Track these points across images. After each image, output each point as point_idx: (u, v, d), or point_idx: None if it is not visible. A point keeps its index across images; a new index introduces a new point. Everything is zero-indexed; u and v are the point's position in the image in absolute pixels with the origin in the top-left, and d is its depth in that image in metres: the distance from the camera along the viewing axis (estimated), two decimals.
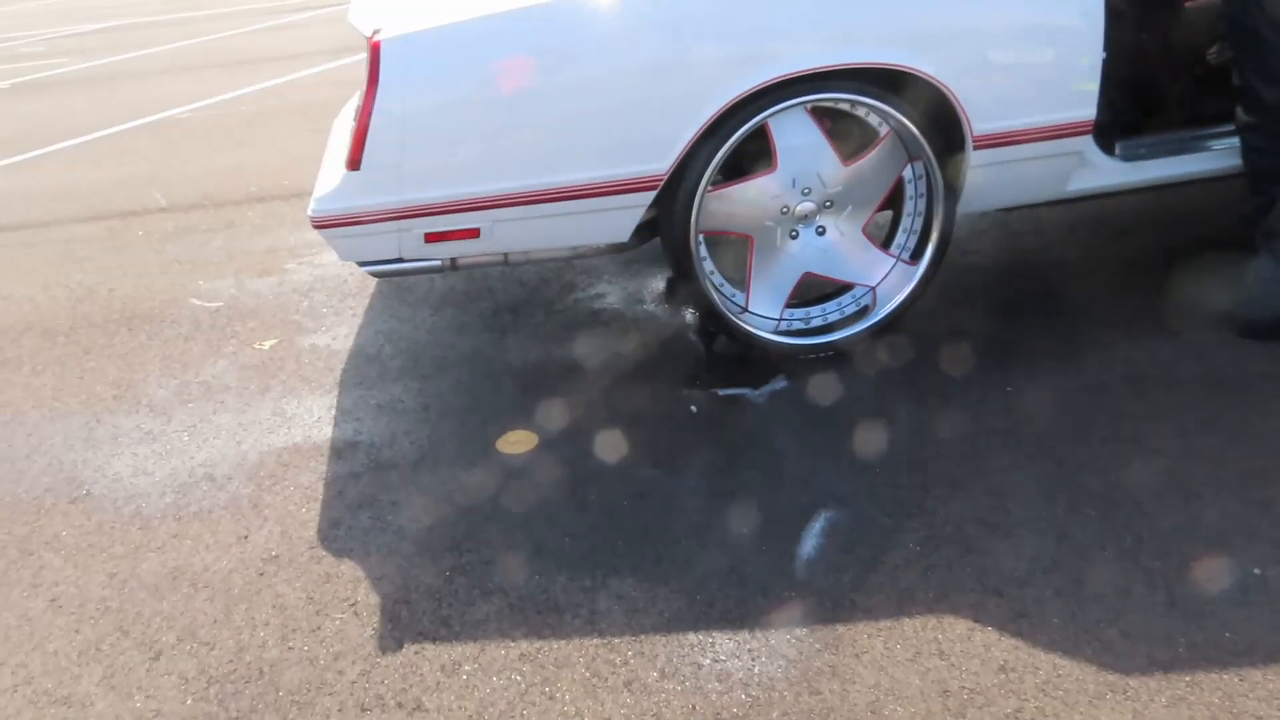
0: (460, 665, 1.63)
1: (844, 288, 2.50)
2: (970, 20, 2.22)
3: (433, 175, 2.21)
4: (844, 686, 1.51)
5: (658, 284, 2.96)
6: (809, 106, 2.27)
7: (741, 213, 2.38)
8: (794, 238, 2.41)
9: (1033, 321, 2.54)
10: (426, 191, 2.22)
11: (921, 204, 2.43)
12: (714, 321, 2.43)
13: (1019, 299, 2.67)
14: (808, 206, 2.37)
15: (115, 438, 2.44)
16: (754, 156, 2.36)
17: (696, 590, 1.74)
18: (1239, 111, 2.34)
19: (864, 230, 2.44)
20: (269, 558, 1.93)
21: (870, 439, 2.12)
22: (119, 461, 2.33)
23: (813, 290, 2.50)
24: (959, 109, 2.23)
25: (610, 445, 2.19)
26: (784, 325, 2.47)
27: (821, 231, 2.42)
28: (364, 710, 1.56)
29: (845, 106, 2.29)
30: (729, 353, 2.53)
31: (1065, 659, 1.52)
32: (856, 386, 2.33)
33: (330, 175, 2.34)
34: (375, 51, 2.15)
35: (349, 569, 1.88)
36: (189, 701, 1.61)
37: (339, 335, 2.87)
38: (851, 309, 2.50)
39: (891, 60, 2.19)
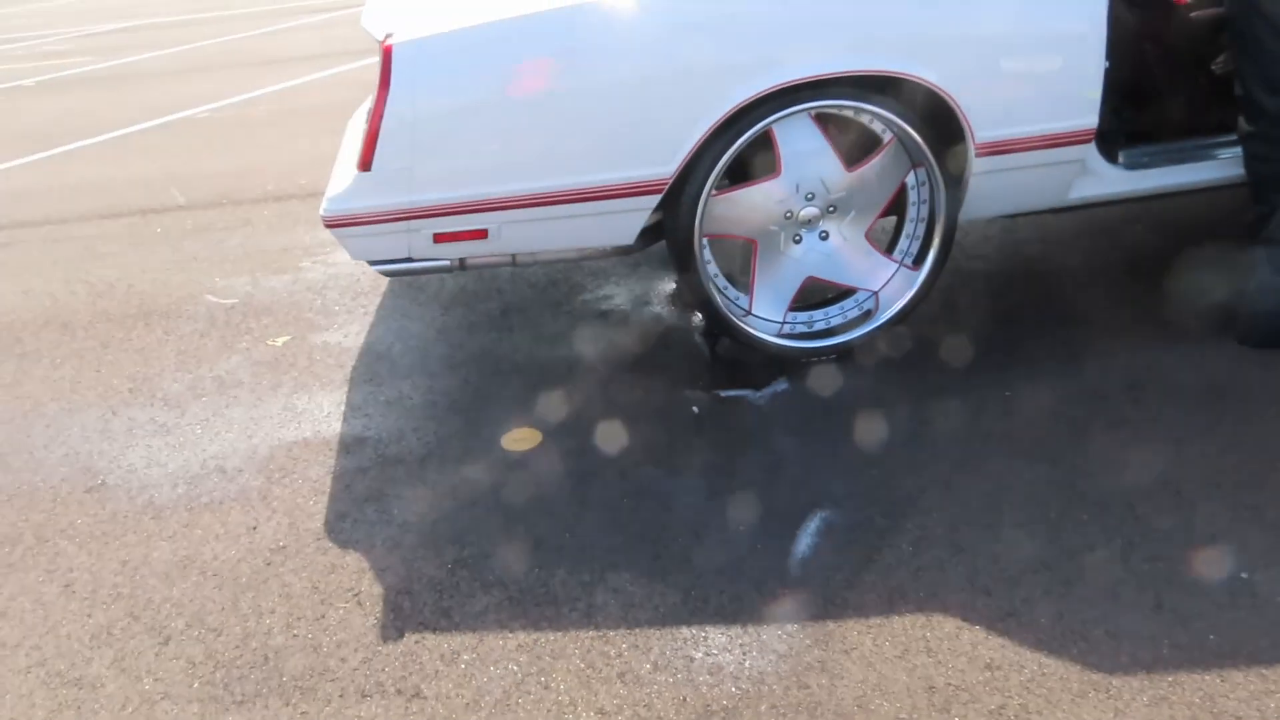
0: (459, 655, 1.67)
1: (847, 292, 2.53)
2: (973, 29, 2.25)
3: (442, 177, 2.26)
4: (832, 681, 1.55)
5: (664, 286, 3.00)
6: (813, 113, 2.30)
7: (745, 217, 2.41)
8: (797, 242, 2.44)
9: (1034, 327, 2.56)
10: (435, 193, 2.27)
11: (924, 210, 2.45)
12: (717, 324, 2.46)
13: (1021, 305, 2.70)
14: (811, 211, 2.40)
15: (130, 430, 2.50)
16: (759, 161, 2.40)
17: (691, 586, 1.78)
18: (1241, 120, 2.36)
19: (867, 235, 2.47)
20: (276, 548, 1.98)
21: (868, 441, 2.15)
22: (133, 453, 2.39)
23: (816, 294, 2.53)
24: (961, 117, 2.26)
25: (612, 444, 2.23)
26: (787, 328, 2.50)
27: (825, 236, 2.45)
28: (364, 697, 1.60)
29: (849, 113, 2.33)
30: (732, 355, 2.57)
31: (1050, 658, 1.55)
32: (857, 390, 2.36)
33: (342, 176, 2.39)
34: (387, 55, 2.20)
35: (354, 560, 1.93)
36: (195, 685, 1.66)
37: (350, 333, 2.92)
38: (854, 313, 2.52)
39: (894, 68, 2.22)
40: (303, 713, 1.58)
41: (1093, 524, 1.83)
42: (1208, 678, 1.49)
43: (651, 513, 1.98)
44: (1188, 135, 2.58)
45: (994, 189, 2.38)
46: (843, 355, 2.48)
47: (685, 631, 1.67)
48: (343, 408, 2.50)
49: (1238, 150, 2.42)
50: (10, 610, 1.89)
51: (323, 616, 1.79)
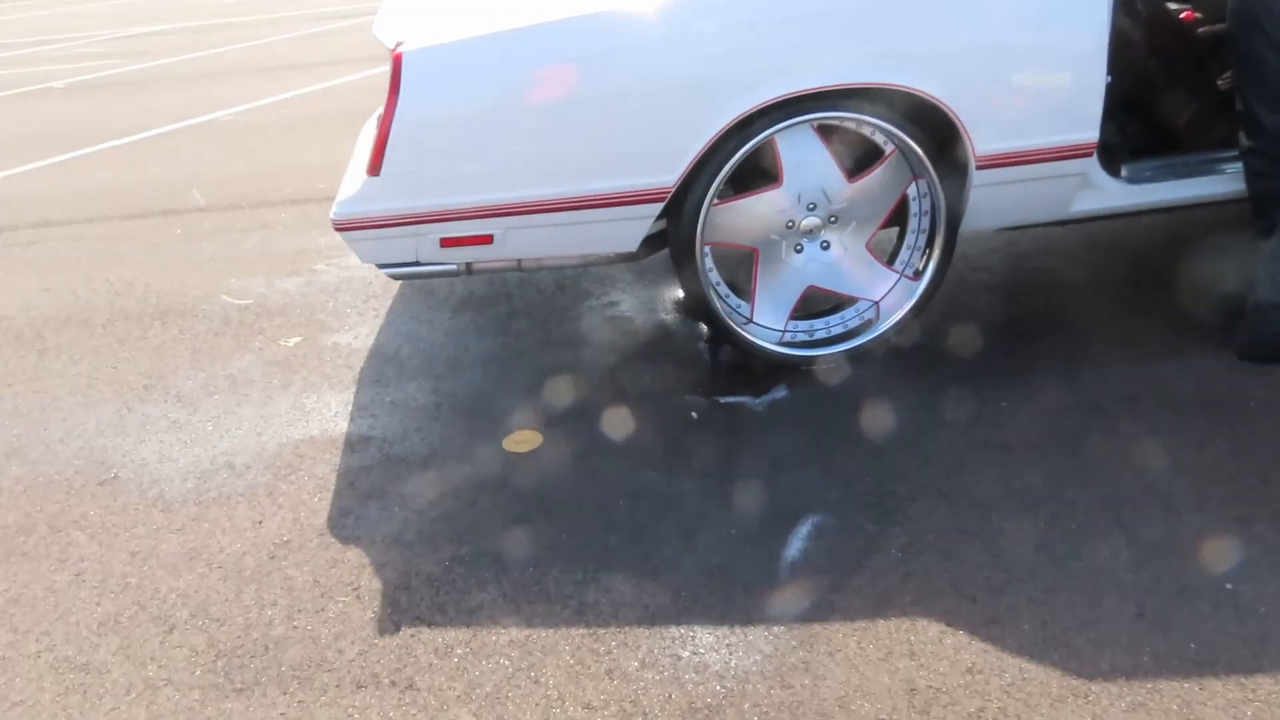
0: (453, 648, 1.71)
1: (848, 302, 2.56)
2: (974, 42, 2.28)
3: (448, 183, 2.31)
4: (815, 682, 1.58)
5: (669, 293, 3.04)
6: (815, 124, 2.34)
7: (747, 226, 2.45)
8: (799, 252, 2.48)
9: (1034, 339, 2.58)
10: (442, 198, 2.32)
11: (925, 221, 2.48)
12: (718, 331, 2.50)
13: (1022, 316, 2.72)
14: (813, 222, 2.44)
15: (144, 425, 2.56)
16: (762, 171, 2.44)
17: (682, 587, 1.81)
18: (1242, 136, 2.37)
19: (868, 246, 2.50)
20: (280, 542, 2.04)
21: (863, 448, 2.18)
22: (146, 448, 2.45)
23: (819, 303, 2.56)
24: (962, 129, 2.29)
25: (611, 447, 2.27)
26: (788, 337, 2.53)
27: (826, 246, 2.48)
28: (360, 687, 1.65)
29: (851, 125, 2.36)
30: (733, 362, 2.60)
31: (1031, 663, 1.57)
32: (855, 397, 2.39)
33: (352, 180, 2.45)
34: (397, 63, 2.25)
35: (355, 555, 1.97)
36: (197, 672, 1.71)
37: (361, 334, 2.97)
38: (855, 323, 2.55)
39: (895, 81, 2.25)
40: (299, 702, 1.63)
41: (1080, 533, 1.85)
42: (1186, 685, 1.51)
43: (646, 515, 2.02)
44: (1191, 150, 2.59)
45: (995, 201, 2.41)
46: (842, 364, 2.50)
47: (673, 630, 1.71)
48: (350, 407, 2.55)
49: (1240, 166, 2.44)
50: (23, 597, 1.95)
51: (323, 609, 1.83)
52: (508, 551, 1.95)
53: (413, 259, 2.41)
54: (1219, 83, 2.69)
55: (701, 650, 1.66)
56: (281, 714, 1.61)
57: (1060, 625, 1.64)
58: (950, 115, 2.27)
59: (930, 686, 1.55)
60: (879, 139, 2.38)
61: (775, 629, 1.69)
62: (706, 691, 1.58)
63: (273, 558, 1.99)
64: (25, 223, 4.42)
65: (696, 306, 2.49)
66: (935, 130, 2.33)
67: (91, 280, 3.63)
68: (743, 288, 2.53)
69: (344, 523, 2.08)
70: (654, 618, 1.74)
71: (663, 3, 2.27)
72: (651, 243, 2.51)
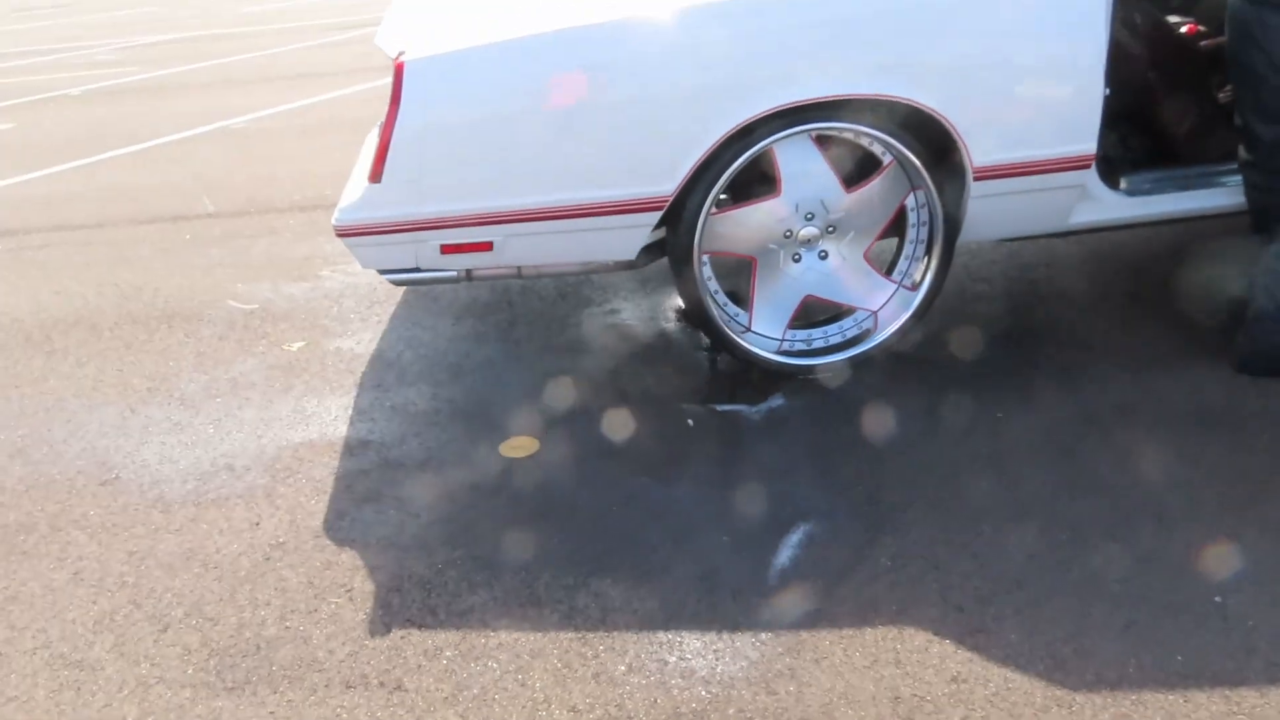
0: (442, 650, 1.72)
1: (846, 311, 2.56)
2: (971, 54, 2.29)
3: (449, 190, 2.33)
4: (800, 689, 1.58)
5: (670, 302, 3.05)
6: (813, 134, 2.35)
7: (745, 235, 2.46)
8: (797, 261, 2.49)
9: (1032, 350, 2.58)
10: (442, 205, 2.34)
11: (924, 232, 2.49)
12: (716, 340, 2.51)
13: (1021, 328, 2.72)
14: (811, 231, 2.45)
15: (146, 427, 2.59)
16: (762, 180, 2.45)
17: (671, 592, 1.82)
18: (1240, 149, 2.38)
19: (866, 256, 2.50)
20: (276, 544, 2.05)
21: (858, 457, 2.19)
22: (148, 449, 2.48)
23: (818, 312, 2.57)
24: (959, 141, 2.30)
25: (607, 453, 2.28)
26: (786, 345, 2.54)
27: (824, 256, 2.49)
28: (349, 687, 1.66)
29: (849, 135, 2.37)
30: (731, 370, 2.61)
31: (1017, 673, 1.57)
32: (851, 407, 2.39)
33: (355, 187, 2.48)
34: (399, 72, 2.28)
35: (348, 558, 1.99)
36: (190, 670, 1.73)
37: (363, 340, 3.00)
38: (853, 332, 2.56)
39: (893, 92, 2.26)
40: (289, 701, 1.64)
41: (1069, 544, 1.85)
42: (1171, 697, 1.50)
43: (638, 521, 2.03)
44: (1191, 163, 2.60)
45: (992, 213, 2.42)
46: (840, 374, 2.51)
47: (661, 636, 1.72)
48: (350, 411, 2.57)
49: (1239, 179, 2.44)
50: (21, 595, 1.97)
51: (315, 610, 1.85)
52: (500, 555, 1.96)
53: (413, 265, 2.44)
54: (1219, 96, 2.69)
55: (688, 656, 1.67)
56: (271, 713, 1.62)
57: (1047, 635, 1.64)
58: (947, 126, 2.28)
59: (915, 695, 1.55)
60: (877, 149, 2.39)
61: (762, 635, 1.70)
62: (692, 697, 1.58)
63: (268, 559, 2.01)
64: (38, 226, 4.47)
65: (695, 315, 2.50)
66: (933, 141, 2.34)
67: (101, 284, 3.67)
68: (743, 297, 2.54)
69: (339, 525, 2.10)
70: (642, 623, 1.75)
71: (662, 14, 2.29)
72: (651, 251, 2.53)
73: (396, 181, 2.32)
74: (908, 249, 2.53)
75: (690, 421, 2.39)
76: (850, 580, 1.81)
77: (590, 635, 1.73)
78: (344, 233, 2.39)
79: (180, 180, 5.04)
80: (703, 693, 1.59)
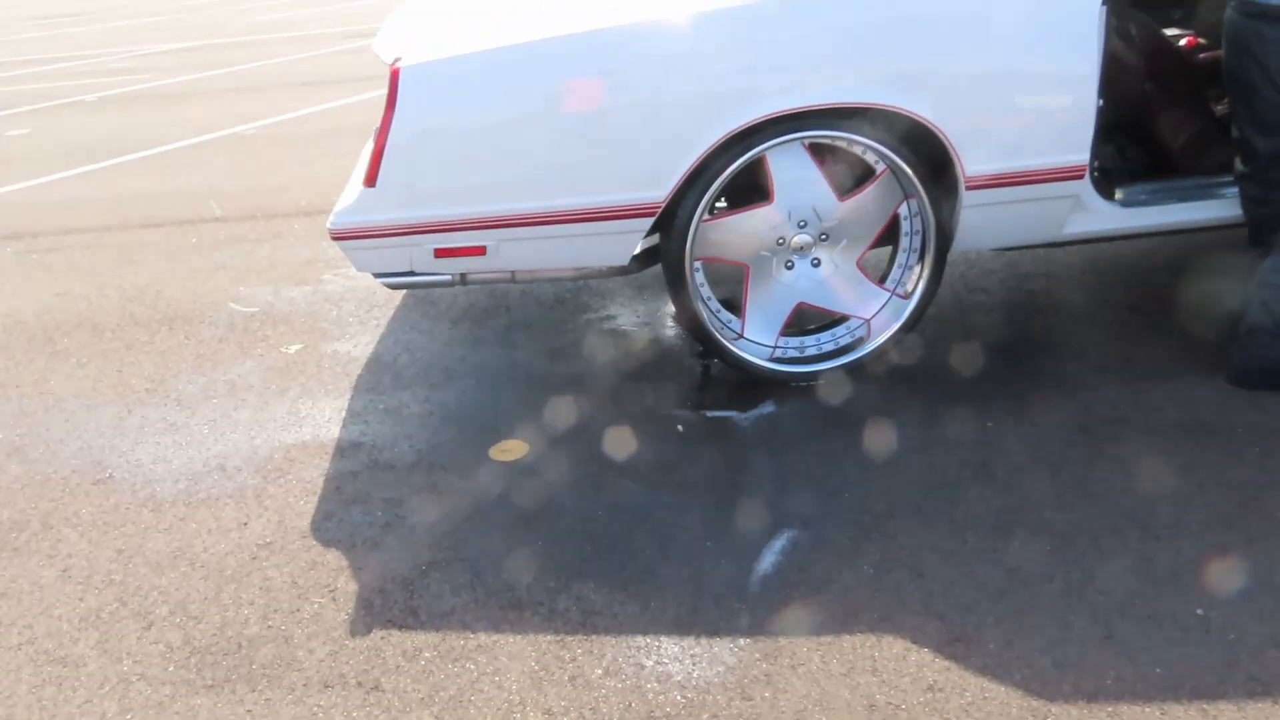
0: (421, 652, 1.73)
1: (840, 319, 2.56)
2: (965, 64, 2.29)
3: (442, 194, 2.35)
4: (775, 695, 1.58)
5: (666, 308, 3.06)
6: (806, 142, 2.36)
7: (738, 242, 2.47)
8: (789, 268, 2.49)
9: (1026, 360, 2.57)
10: (436, 209, 2.35)
11: (916, 241, 2.49)
12: (708, 346, 2.51)
13: (1017, 337, 2.71)
14: (803, 239, 2.45)
15: (142, 427, 2.61)
16: (757, 187, 2.45)
17: (652, 597, 1.82)
18: (1237, 162, 2.37)
19: (858, 264, 2.50)
20: (263, 544, 2.07)
21: (846, 464, 2.18)
22: (142, 449, 2.50)
23: (812, 320, 2.57)
24: (951, 151, 2.30)
25: (595, 458, 2.28)
26: (779, 353, 2.54)
27: (817, 263, 2.49)
28: (327, 687, 1.67)
29: (842, 144, 2.37)
30: (724, 377, 2.61)
31: (994, 683, 1.56)
32: (842, 414, 2.39)
33: (351, 191, 2.49)
34: (394, 78, 2.30)
35: (334, 558, 2.00)
36: (171, 668, 1.74)
37: (361, 343, 3.01)
38: (846, 340, 2.55)
39: (885, 101, 2.27)
40: (266, 700, 1.65)
41: (1054, 554, 1.84)
42: (1148, 709, 1.49)
43: (624, 525, 2.03)
44: (1188, 175, 2.59)
45: (985, 222, 2.41)
46: (832, 381, 2.51)
47: (640, 640, 1.71)
48: (343, 414, 2.59)
49: (1235, 191, 2.42)
50: (9, 591, 1.99)
51: (297, 610, 1.86)
52: (484, 558, 1.97)
53: (407, 269, 2.45)
54: (1216, 108, 2.68)
55: (665, 660, 1.66)
56: (248, 711, 1.63)
57: (1026, 646, 1.63)
58: (939, 136, 2.28)
59: (890, 703, 1.54)
60: (870, 158, 2.39)
61: (740, 641, 1.69)
62: (666, 701, 1.58)
63: (254, 558, 2.02)
64: (48, 230, 4.51)
65: (687, 321, 2.50)
66: (925, 150, 2.34)
67: (105, 286, 3.71)
68: (737, 304, 2.54)
69: (326, 526, 2.11)
70: (622, 626, 1.75)
71: (655, 22, 2.31)
72: (645, 257, 2.53)
73: (391, 186, 2.34)
74: (901, 257, 2.52)
75: (680, 427, 2.39)
76: (832, 587, 1.81)
77: (569, 638, 1.73)
78: (339, 236, 2.41)
79: (190, 185, 5.09)
80: (678, 697, 1.59)
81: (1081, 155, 2.33)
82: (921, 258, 2.48)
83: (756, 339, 2.53)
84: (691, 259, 2.42)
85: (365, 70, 8.17)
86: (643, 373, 2.69)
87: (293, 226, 4.26)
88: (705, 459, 2.25)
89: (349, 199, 2.44)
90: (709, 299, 2.52)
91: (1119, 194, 2.51)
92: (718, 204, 2.67)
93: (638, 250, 2.49)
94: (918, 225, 2.47)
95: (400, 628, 1.79)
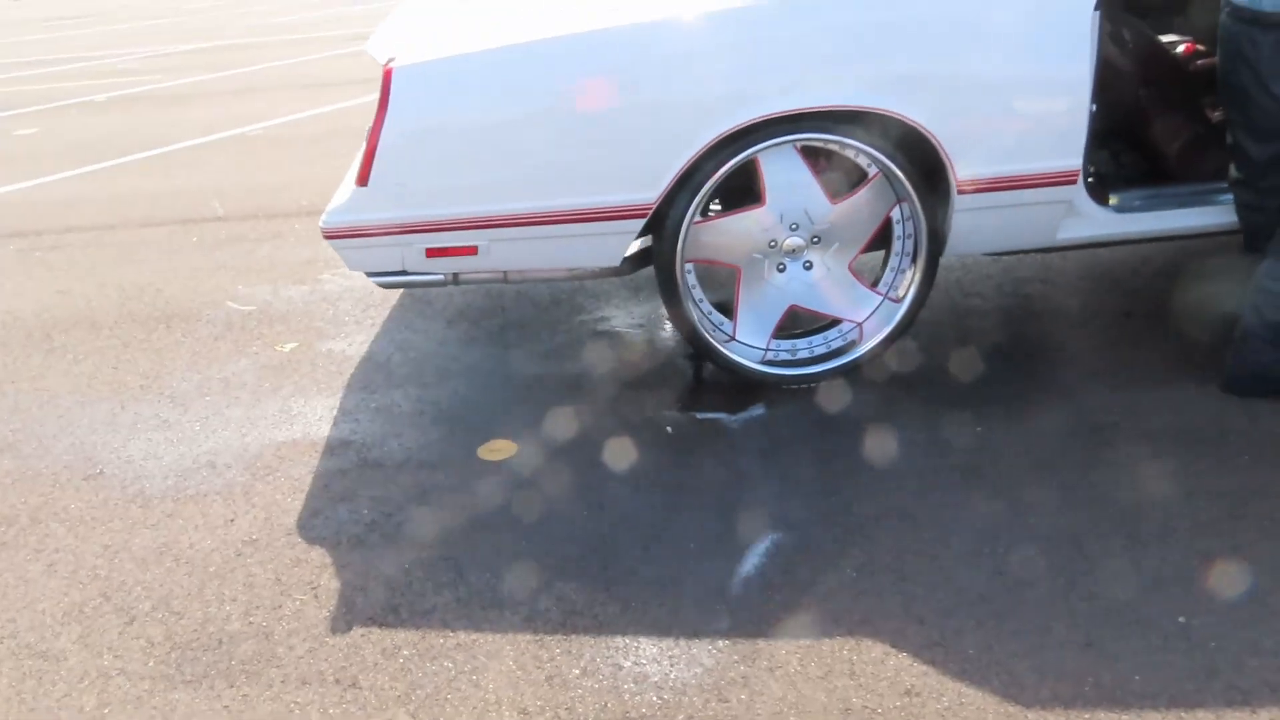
0: (400, 650, 1.73)
1: (832, 322, 2.56)
2: (957, 68, 2.28)
3: (434, 194, 2.35)
4: (751, 697, 1.57)
5: (660, 310, 3.06)
6: (798, 145, 2.35)
7: (730, 244, 2.46)
8: (781, 271, 2.48)
9: (1019, 365, 2.56)
10: (427, 209, 2.36)
11: (909, 245, 2.48)
12: (699, 348, 2.51)
13: (1010, 342, 2.70)
14: (795, 241, 2.44)
15: (135, 424, 2.62)
16: (751, 190, 2.45)
17: (633, 598, 1.81)
18: (1231, 168, 2.36)
19: (850, 267, 2.50)
20: (249, 540, 2.07)
21: (834, 467, 2.18)
22: (134, 445, 2.51)
23: (806, 323, 2.56)
24: (943, 154, 2.29)
25: (583, 458, 2.28)
26: (770, 355, 2.53)
27: (809, 266, 2.48)
28: (304, 684, 1.67)
29: (834, 147, 2.37)
30: (715, 379, 2.61)
31: (971, 688, 1.55)
32: (831, 418, 2.38)
33: (343, 191, 2.50)
34: (387, 78, 2.30)
35: (318, 555, 2.00)
36: (150, 663, 1.74)
37: (355, 342, 3.02)
38: (838, 343, 2.55)
39: (876, 105, 2.26)
40: (244, 695, 1.65)
41: (1038, 560, 1.83)
42: (1125, 717, 1.48)
43: (609, 526, 2.03)
44: (1184, 181, 2.57)
45: (978, 226, 2.40)
46: (823, 384, 2.50)
47: (619, 640, 1.71)
48: (335, 412, 2.59)
49: (1230, 198, 2.41)
50: None
51: (279, 606, 1.86)
52: (468, 557, 1.97)
53: (399, 268, 2.45)
54: (1214, 114, 2.66)
55: (643, 661, 1.66)
56: (225, 707, 1.63)
57: (1005, 651, 1.62)
58: (931, 140, 2.28)
59: (866, 707, 1.54)
60: (862, 161, 2.39)
61: (719, 643, 1.69)
62: (643, 702, 1.58)
63: (239, 555, 2.02)
64: (51, 228, 4.54)
65: (678, 323, 2.50)
66: (918, 154, 2.33)
67: (104, 284, 3.72)
68: (731, 307, 2.54)
69: (313, 523, 2.11)
70: (601, 627, 1.75)
71: (646, 24, 2.30)
72: (638, 259, 2.53)
73: (383, 185, 2.34)
74: (893, 261, 2.52)
75: (669, 429, 2.39)
76: (814, 590, 1.80)
77: (548, 638, 1.73)
78: (331, 235, 2.42)
79: (192, 185, 5.11)
80: (654, 698, 1.58)
81: (1074, 160, 2.32)
82: (914, 262, 2.47)
83: (748, 341, 2.53)
84: (683, 261, 2.42)
85: (367, 73, 8.19)
86: (635, 374, 2.69)
87: (293, 226, 4.27)
88: (693, 461, 2.25)
89: (341, 198, 2.44)
90: (701, 301, 2.52)
91: (1113, 200, 2.49)
92: (712, 206, 2.68)
93: (630, 252, 2.49)
94: (910, 229, 2.46)
95: (380, 625, 1.79)
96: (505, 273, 2.50)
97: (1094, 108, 2.29)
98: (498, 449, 2.36)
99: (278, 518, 2.14)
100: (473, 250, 2.41)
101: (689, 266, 2.47)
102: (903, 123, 2.27)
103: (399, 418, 2.54)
